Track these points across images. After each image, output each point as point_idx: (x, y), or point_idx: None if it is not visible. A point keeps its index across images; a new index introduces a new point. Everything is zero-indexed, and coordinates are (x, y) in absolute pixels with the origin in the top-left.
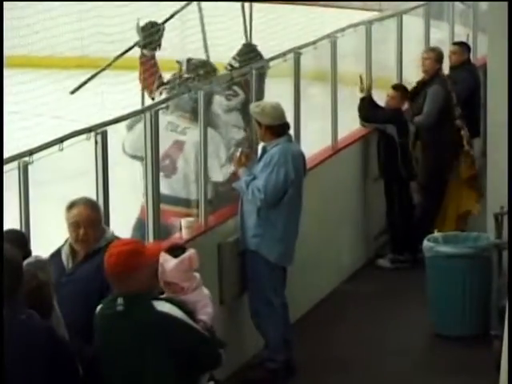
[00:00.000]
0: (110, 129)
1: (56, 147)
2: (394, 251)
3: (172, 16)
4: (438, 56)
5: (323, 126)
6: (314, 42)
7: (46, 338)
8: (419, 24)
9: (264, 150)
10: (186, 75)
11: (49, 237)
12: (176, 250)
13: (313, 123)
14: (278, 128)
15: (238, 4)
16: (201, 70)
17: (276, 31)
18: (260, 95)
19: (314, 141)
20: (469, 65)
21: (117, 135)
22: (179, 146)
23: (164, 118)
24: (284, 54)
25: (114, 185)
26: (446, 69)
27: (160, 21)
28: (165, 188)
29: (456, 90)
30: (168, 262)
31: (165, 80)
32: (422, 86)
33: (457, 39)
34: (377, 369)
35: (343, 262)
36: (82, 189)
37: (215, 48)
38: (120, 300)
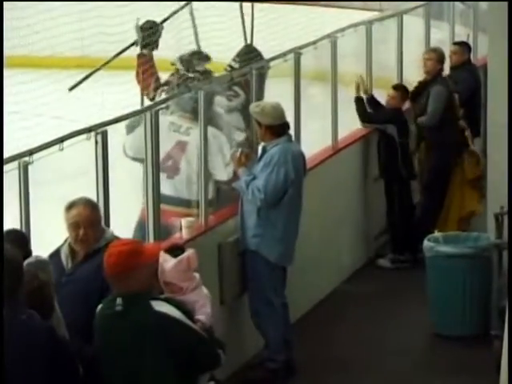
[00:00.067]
0: (110, 129)
1: (56, 147)
2: (395, 251)
3: (170, 16)
4: (439, 56)
5: (323, 126)
6: (314, 42)
7: (46, 338)
8: (419, 24)
9: (264, 150)
10: (183, 72)
11: (49, 237)
12: (175, 250)
13: (313, 123)
14: (278, 128)
15: (238, 4)
16: (195, 59)
17: (276, 31)
18: (260, 96)
19: (314, 141)
20: (469, 65)
21: (117, 135)
22: (182, 147)
23: (165, 119)
24: (284, 54)
25: (114, 185)
26: (446, 69)
27: (160, 21)
28: (167, 189)
29: (456, 90)
30: (167, 262)
31: (162, 80)
32: (423, 86)
33: (457, 39)
34: (377, 369)
35: (343, 261)
36: (82, 189)
37: (215, 48)
38: (119, 300)
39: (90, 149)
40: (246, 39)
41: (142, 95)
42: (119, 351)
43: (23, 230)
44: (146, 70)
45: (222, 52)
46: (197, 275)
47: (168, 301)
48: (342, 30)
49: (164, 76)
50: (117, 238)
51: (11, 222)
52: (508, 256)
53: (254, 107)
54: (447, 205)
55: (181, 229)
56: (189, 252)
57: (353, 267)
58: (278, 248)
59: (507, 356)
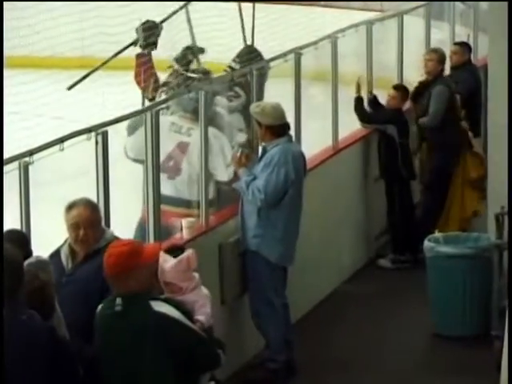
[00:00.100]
0: (110, 129)
1: (56, 147)
2: (395, 251)
3: (170, 16)
4: (440, 57)
5: (324, 126)
6: (314, 43)
7: (46, 338)
8: (420, 24)
9: (264, 150)
10: (182, 71)
11: (49, 237)
12: (175, 251)
13: (313, 123)
14: (278, 128)
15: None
16: (189, 54)
17: (277, 31)
18: (260, 96)
19: (314, 141)
20: (470, 65)
21: (118, 135)
22: (183, 148)
23: (166, 119)
24: (285, 55)
25: (114, 185)
26: (446, 69)
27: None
28: (168, 189)
29: (458, 90)
30: (167, 263)
31: (161, 81)
32: (424, 86)
33: (457, 39)
34: (377, 369)
35: (344, 262)
36: (82, 189)
37: (216, 48)
38: (118, 300)
39: (90, 149)
40: (245, 40)
41: (143, 95)
42: (119, 351)
43: (23, 230)
44: (145, 70)
45: (223, 52)
46: (196, 275)
47: (167, 301)
48: (343, 30)
49: (163, 76)
50: (117, 238)
51: (12, 222)
52: (508, 256)
53: (254, 107)
54: (448, 205)
55: (181, 229)
56: (188, 252)
57: (353, 267)
58: (278, 248)
59: (507, 356)
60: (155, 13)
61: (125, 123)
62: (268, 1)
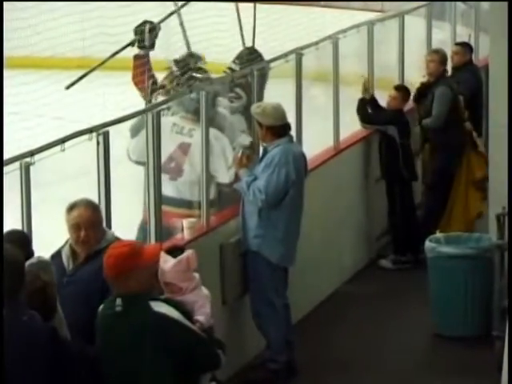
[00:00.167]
0: (111, 129)
1: (58, 148)
2: (396, 252)
3: (168, 16)
4: (442, 58)
5: (325, 127)
6: (315, 43)
7: (47, 338)
8: (421, 24)
9: (265, 151)
10: (177, 73)
11: (50, 238)
12: (175, 251)
13: (314, 124)
14: (279, 129)
15: (239, 5)
16: (190, 60)
17: (278, 32)
18: (260, 97)
19: (315, 141)
20: (471, 65)
21: (119, 136)
22: (185, 149)
23: (168, 120)
24: (286, 55)
25: (115, 186)
26: (447, 69)
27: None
28: (170, 190)
29: (460, 91)
30: (167, 263)
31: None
32: (427, 87)
33: (458, 39)
34: (378, 369)
35: (345, 262)
36: (83, 190)
37: (216, 49)
38: (118, 301)
39: (91, 149)
40: (243, 41)
41: (149, 95)
42: (119, 351)
43: (25, 230)
44: (143, 71)
45: (223, 53)
46: (197, 276)
47: (167, 301)
48: (344, 30)
49: (161, 77)
50: (118, 239)
51: (13, 222)
52: (508, 257)
53: (255, 108)
54: (450, 205)
55: (183, 230)
56: (188, 252)
57: (354, 268)
58: (279, 249)
59: (508, 357)
60: (156, 13)
61: (126, 123)
62: (269, 1)
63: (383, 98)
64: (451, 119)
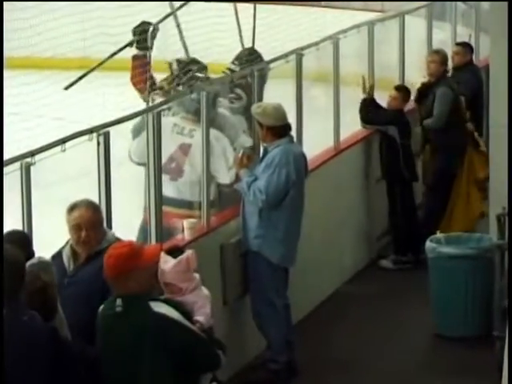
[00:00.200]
0: (112, 130)
1: (58, 148)
2: (397, 252)
3: (167, 16)
4: (442, 58)
5: (325, 127)
6: (316, 43)
7: (47, 338)
8: (421, 25)
9: (265, 151)
10: (176, 74)
11: (51, 238)
12: (175, 252)
13: (315, 124)
14: (279, 129)
15: (239, 5)
16: (193, 66)
17: (278, 32)
18: (259, 97)
19: (316, 142)
20: (471, 66)
21: (119, 136)
22: (185, 149)
23: (168, 120)
24: (286, 55)
25: (116, 186)
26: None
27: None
28: (170, 191)
29: (462, 92)
30: (166, 263)
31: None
32: (428, 88)
33: (459, 40)
34: (379, 369)
35: (345, 262)
36: (84, 190)
37: (216, 49)
38: (118, 301)
39: (92, 150)
40: (242, 43)
41: (149, 96)
42: (119, 351)
43: (25, 231)
44: (141, 72)
45: (223, 53)
46: (197, 276)
47: (167, 302)
48: (344, 30)
49: (159, 77)
50: (118, 239)
51: (13, 223)
52: (508, 257)
53: (255, 108)
54: (451, 206)
55: (183, 230)
56: (188, 253)
57: (355, 268)
58: (279, 249)
59: (509, 357)
60: (155, 13)
61: (126, 124)
62: (269, 1)
63: (383, 99)
64: (452, 120)
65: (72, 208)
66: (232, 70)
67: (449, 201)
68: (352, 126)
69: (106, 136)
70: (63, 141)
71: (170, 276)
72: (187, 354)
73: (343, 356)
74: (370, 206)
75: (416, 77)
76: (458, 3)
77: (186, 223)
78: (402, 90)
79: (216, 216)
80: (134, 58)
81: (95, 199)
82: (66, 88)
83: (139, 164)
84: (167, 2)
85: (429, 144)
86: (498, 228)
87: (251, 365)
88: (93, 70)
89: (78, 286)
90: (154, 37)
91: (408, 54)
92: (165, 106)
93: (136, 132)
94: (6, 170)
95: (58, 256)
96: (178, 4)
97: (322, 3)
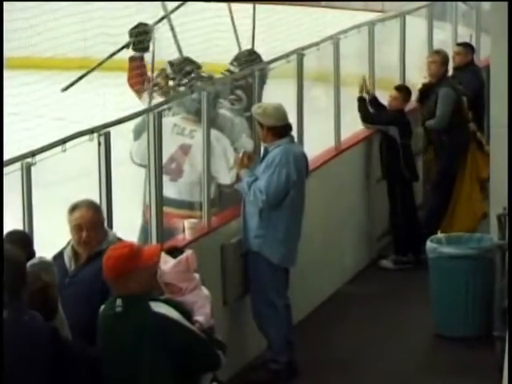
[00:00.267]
0: (112, 130)
1: (59, 148)
2: (397, 252)
3: (164, 17)
4: (443, 59)
5: (326, 127)
6: (316, 43)
7: (48, 338)
8: (422, 25)
9: (266, 151)
10: (172, 75)
11: (52, 238)
12: (175, 252)
13: (316, 124)
14: (280, 129)
15: (239, 5)
16: (187, 67)
17: (278, 32)
18: (259, 98)
19: (316, 142)
20: (472, 66)
21: (120, 136)
22: (185, 150)
23: (169, 120)
24: (287, 55)
25: (117, 186)
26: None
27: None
28: (170, 191)
29: (464, 92)
30: (166, 264)
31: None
32: (429, 88)
33: (460, 40)
34: (379, 369)
35: (346, 263)
36: (84, 190)
37: (215, 50)
38: (119, 301)
39: (92, 150)
40: (238, 44)
41: (150, 96)
42: (119, 351)
43: (26, 231)
44: (138, 73)
45: (222, 54)
46: (196, 276)
47: (167, 302)
48: (345, 31)
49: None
50: (119, 239)
51: (14, 223)
52: (508, 257)
53: (256, 108)
54: (453, 206)
55: (184, 230)
56: (188, 253)
57: (355, 268)
58: (280, 249)
59: (509, 357)
60: (152, 15)
61: (127, 124)
62: (270, 2)
63: (384, 99)
64: (455, 120)
65: (73, 208)
66: (231, 72)
67: (451, 200)
68: (353, 126)
69: (107, 136)
70: (64, 141)
71: (169, 276)
72: (187, 354)
73: (343, 356)
74: (370, 206)
75: (417, 77)
76: (459, 3)
77: (186, 223)
78: (403, 90)
79: (216, 216)
80: (131, 59)
81: (96, 199)
82: (64, 89)
83: (141, 165)
84: (160, 4)
85: (431, 145)
86: (499, 228)
87: (251, 365)
88: (92, 70)
89: (79, 286)
90: (150, 38)
91: (408, 55)
92: (165, 106)
93: (137, 133)
94: (6, 170)
95: (59, 256)
96: (171, 6)
97: (322, 3)
